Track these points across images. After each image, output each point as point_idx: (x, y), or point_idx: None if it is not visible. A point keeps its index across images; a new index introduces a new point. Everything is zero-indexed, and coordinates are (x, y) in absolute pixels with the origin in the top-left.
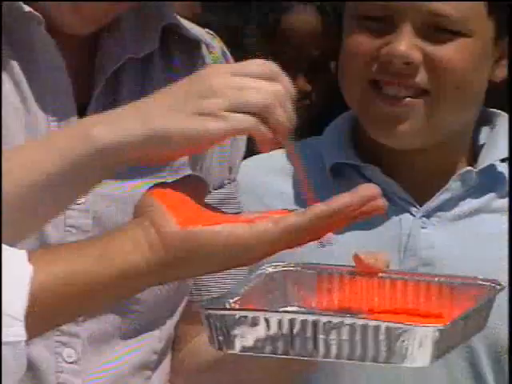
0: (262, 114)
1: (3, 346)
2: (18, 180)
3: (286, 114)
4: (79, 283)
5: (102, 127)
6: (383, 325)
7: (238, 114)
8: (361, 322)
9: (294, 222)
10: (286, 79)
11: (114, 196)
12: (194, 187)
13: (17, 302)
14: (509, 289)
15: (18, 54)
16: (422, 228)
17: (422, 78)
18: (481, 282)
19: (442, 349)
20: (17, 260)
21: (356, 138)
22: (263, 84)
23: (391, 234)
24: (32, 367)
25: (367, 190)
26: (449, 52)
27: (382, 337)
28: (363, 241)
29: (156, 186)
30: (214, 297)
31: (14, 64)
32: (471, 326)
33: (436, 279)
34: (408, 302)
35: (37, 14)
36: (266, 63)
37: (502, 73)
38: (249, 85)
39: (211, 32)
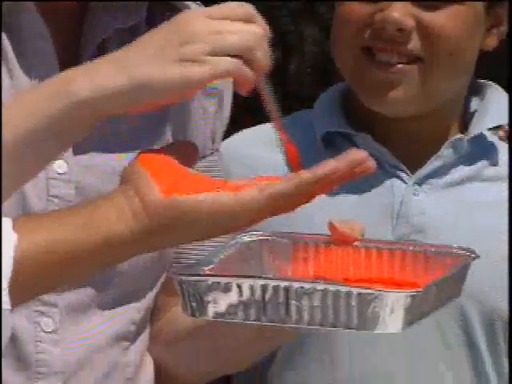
0: (242, 56)
1: None
2: (2, 136)
3: (264, 54)
4: (62, 251)
5: (81, 81)
6: (355, 291)
7: (220, 57)
8: (332, 287)
9: (279, 188)
10: (261, 20)
11: (98, 167)
12: (183, 152)
13: (2, 270)
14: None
15: (4, 24)
16: (414, 195)
17: (415, 44)
18: (456, 251)
19: (414, 315)
20: (2, 227)
21: (348, 107)
22: (241, 26)
23: (384, 201)
24: (11, 337)
25: (355, 154)
26: (442, 19)
27: (353, 303)
28: (356, 208)
29: (143, 151)
30: (188, 264)
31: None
32: (445, 294)
33: (411, 248)
34: (383, 271)
35: None
36: (242, 5)
37: (492, 41)
38: (228, 28)
39: (198, 2)
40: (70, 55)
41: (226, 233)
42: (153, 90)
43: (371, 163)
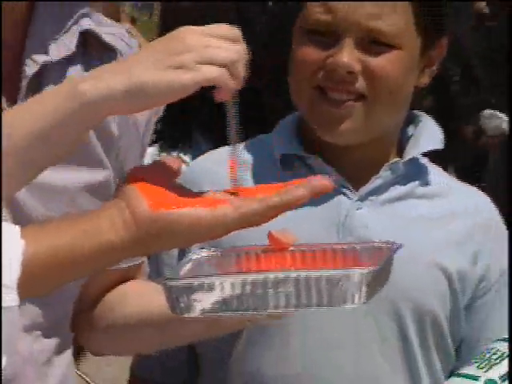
0: (226, 68)
1: (3, 311)
2: (14, 135)
3: (243, 71)
4: (62, 256)
5: (88, 83)
6: (324, 273)
7: (207, 66)
8: (304, 273)
9: (251, 208)
10: (243, 44)
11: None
12: (167, 167)
13: (12, 273)
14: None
15: None
16: (357, 209)
17: (361, 84)
18: (378, 245)
19: (372, 290)
20: (11, 235)
21: (301, 135)
22: (228, 44)
23: (331, 214)
24: None
25: (318, 182)
26: (383, 62)
27: (323, 283)
28: (305, 222)
29: (133, 169)
30: (166, 275)
31: None
32: (384, 276)
33: (340, 247)
34: (318, 268)
35: None
36: (230, 28)
37: (425, 79)
38: (217, 43)
39: (130, 30)
40: (11, 89)
41: (202, 241)
42: (149, 92)
43: (330, 185)
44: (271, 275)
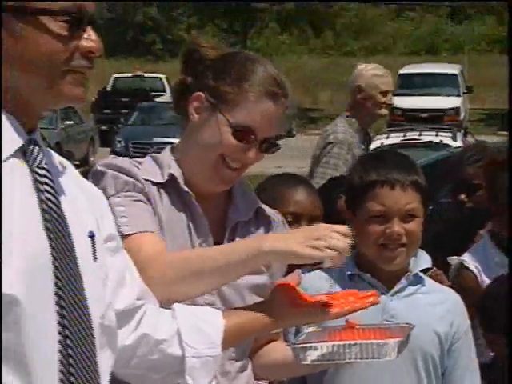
0: (339, 253)
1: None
2: (216, 265)
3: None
4: (243, 328)
5: (267, 242)
6: (375, 342)
7: (330, 250)
8: (364, 342)
9: (336, 312)
10: (350, 237)
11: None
12: (294, 279)
13: (218, 338)
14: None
15: (179, 206)
16: (391, 301)
17: (404, 239)
18: (402, 325)
19: (400, 350)
20: (217, 315)
21: (356, 259)
22: (343, 237)
23: (376, 306)
24: None
25: (370, 300)
26: (413, 226)
27: (374, 347)
28: (363, 312)
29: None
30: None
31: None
32: (405, 344)
33: (382, 326)
34: (371, 338)
35: (188, 190)
36: (346, 227)
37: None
38: (337, 236)
39: (279, 216)
40: (219, 227)
41: (313, 323)
42: (293, 257)
43: (377, 299)
44: (347, 342)
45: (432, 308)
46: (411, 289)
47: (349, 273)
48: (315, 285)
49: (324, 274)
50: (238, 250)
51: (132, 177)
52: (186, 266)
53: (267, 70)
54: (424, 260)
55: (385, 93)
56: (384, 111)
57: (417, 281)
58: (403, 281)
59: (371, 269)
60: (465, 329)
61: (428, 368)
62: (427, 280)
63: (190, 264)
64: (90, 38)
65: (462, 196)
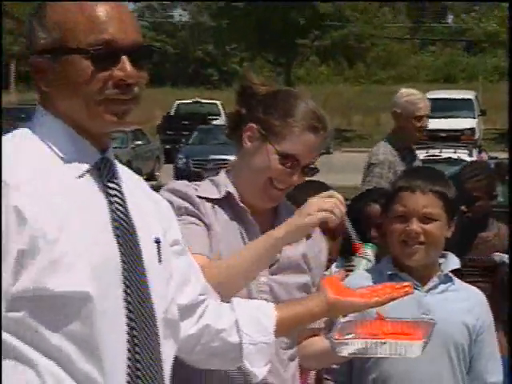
0: (329, 211)
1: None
2: (241, 261)
3: (340, 210)
4: (294, 320)
5: (276, 231)
6: (405, 342)
7: (320, 212)
8: (396, 341)
9: (375, 300)
10: (339, 197)
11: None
12: (340, 275)
13: (271, 327)
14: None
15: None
16: (425, 296)
17: (422, 238)
18: (425, 320)
19: (424, 348)
20: (269, 307)
21: (392, 260)
22: (328, 199)
23: (412, 299)
24: None
25: (406, 289)
26: (432, 228)
27: (404, 345)
28: (399, 303)
29: (325, 278)
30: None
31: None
32: (428, 342)
33: (404, 320)
34: (402, 337)
35: (243, 205)
36: (330, 193)
37: (448, 234)
38: (322, 200)
39: None
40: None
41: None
42: (299, 230)
43: (412, 290)
44: (379, 341)
45: (461, 303)
46: (443, 286)
47: (389, 272)
48: (359, 283)
49: (366, 274)
50: (260, 244)
51: (186, 199)
52: (229, 271)
53: (308, 105)
54: (453, 262)
55: (419, 118)
56: (419, 135)
57: (447, 280)
58: (435, 279)
59: (406, 268)
60: (488, 323)
61: (459, 356)
62: (456, 279)
63: (232, 268)
64: (121, 68)
65: (462, 207)
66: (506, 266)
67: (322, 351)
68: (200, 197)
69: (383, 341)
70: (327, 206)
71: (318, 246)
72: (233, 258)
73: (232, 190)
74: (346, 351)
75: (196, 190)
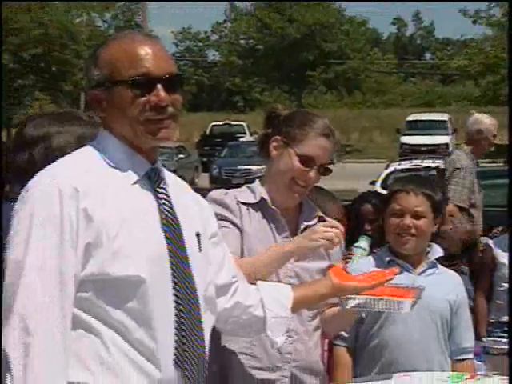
0: (330, 241)
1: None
2: (258, 263)
3: (339, 240)
4: (305, 299)
5: (287, 247)
6: (399, 299)
7: (322, 239)
8: (390, 299)
9: (372, 284)
10: (341, 228)
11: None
12: (341, 264)
13: (289, 302)
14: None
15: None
16: (418, 278)
17: (414, 230)
18: (417, 286)
19: (414, 306)
20: (286, 288)
21: (391, 250)
22: (331, 230)
23: (404, 282)
24: None
25: (392, 272)
26: (420, 223)
27: (396, 302)
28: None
29: (333, 267)
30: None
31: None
32: (416, 302)
33: (405, 287)
34: (397, 296)
35: (274, 207)
36: (333, 223)
37: (434, 229)
38: (327, 230)
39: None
40: (293, 231)
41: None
42: (304, 250)
43: (397, 271)
44: (376, 297)
45: (444, 284)
46: (430, 271)
47: (388, 259)
48: (365, 267)
49: (371, 260)
50: (273, 254)
51: (221, 205)
52: (251, 269)
53: (320, 118)
54: (437, 251)
55: (495, 136)
56: (492, 148)
57: (433, 265)
58: (424, 264)
59: (401, 256)
60: (464, 299)
61: (443, 325)
62: (439, 265)
63: (250, 267)
64: (156, 94)
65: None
66: (491, 248)
67: (332, 313)
68: (239, 202)
69: (380, 297)
70: (328, 235)
71: None
72: (253, 259)
73: (265, 195)
74: (349, 305)
75: (236, 196)
